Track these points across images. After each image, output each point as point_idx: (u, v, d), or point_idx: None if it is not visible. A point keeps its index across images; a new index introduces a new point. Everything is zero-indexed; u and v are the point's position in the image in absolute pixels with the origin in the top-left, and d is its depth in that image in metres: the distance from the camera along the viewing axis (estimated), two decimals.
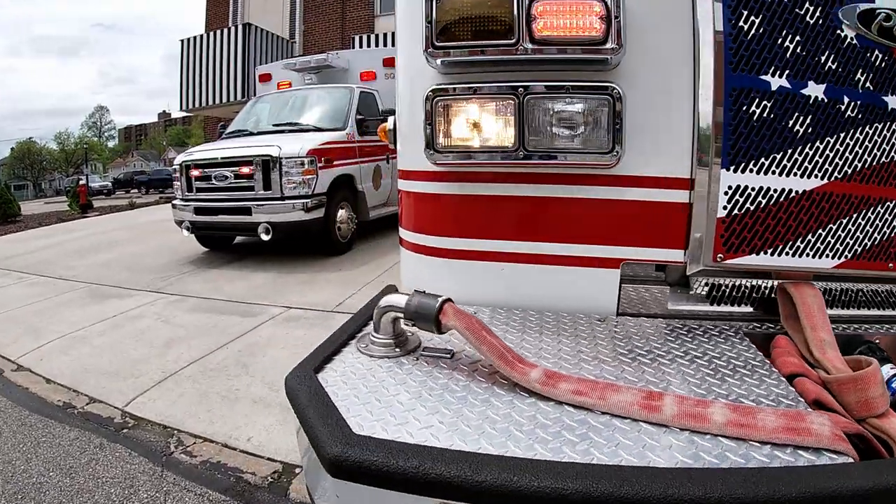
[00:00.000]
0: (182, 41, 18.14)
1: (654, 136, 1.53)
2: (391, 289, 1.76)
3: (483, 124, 1.56)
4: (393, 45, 16.53)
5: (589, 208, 1.60)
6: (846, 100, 1.46)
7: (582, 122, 1.49)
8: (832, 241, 1.53)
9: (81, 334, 4.56)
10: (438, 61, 1.53)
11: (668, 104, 1.51)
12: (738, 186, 1.46)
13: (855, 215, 1.53)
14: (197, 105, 17.91)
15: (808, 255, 1.52)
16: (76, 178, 44.61)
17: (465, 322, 1.25)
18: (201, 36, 17.98)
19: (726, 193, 1.46)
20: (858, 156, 1.49)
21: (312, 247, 7.55)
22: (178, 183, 7.44)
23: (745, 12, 1.42)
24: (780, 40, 1.43)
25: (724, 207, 1.46)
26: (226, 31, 17.31)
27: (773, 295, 1.63)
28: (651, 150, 1.53)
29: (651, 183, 1.56)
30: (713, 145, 1.45)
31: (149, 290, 5.90)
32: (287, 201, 6.74)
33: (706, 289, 1.67)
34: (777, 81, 1.44)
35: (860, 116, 1.47)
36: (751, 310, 1.68)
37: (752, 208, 1.47)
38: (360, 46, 17.64)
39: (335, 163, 7.36)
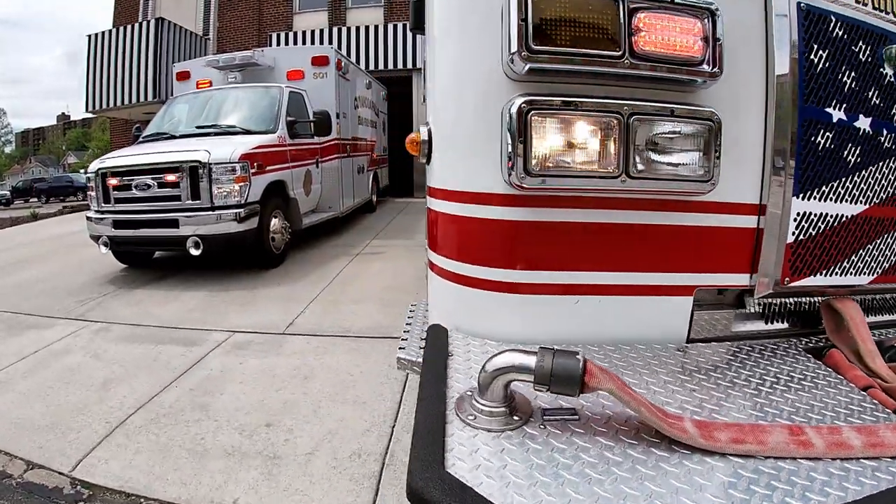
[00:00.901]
0: (89, 37, 16.83)
1: (732, 163, 1.53)
2: (440, 333, 1.66)
3: (584, 144, 1.45)
4: (310, 42, 15.85)
5: (673, 235, 1.60)
6: (885, 132, 1.58)
7: (686, 148, 1.47)
8: (869, 259, 1.67)
9: (2, 377, 3.97)
10: (527, 67, 1.40)
11: (746, 131, 1.54)
12: (805, 213, 1.53)
13: (886, 236, 1.68)
14: (104, 106, 16.70)
15: (851, 273, 1.64)
16: None
17: (615, 382, 1.12)
18: (110, 31, 16.73)
19: (795, 220, 1.53)
20: (892, 182, 1.63)
21: (243, 260, 7.12)
22: (93, 193, 6.80)
23: (816, 46, 1.48)
24: (839, 75, 1.50)
25: (793, 233, 1.53)
26: (136, 26, 16.18)
27: (814, 310, 1.74)
28: (730, 176, 1.53)
29: (729, 209, 1.57)
30: (787, 173, 1.51)
31: (70, 317, 5.31)
32: (218, 211, 6.29)
33: (759, 308, 1.71)
34: (837, 114, 1.50)
35: (894, 147, 1.60)
36: (786, 325, 1.78)
37: (813, 233, 1.55)
38: (279, 44, 17.02)
39: (267, 168, 6.95)
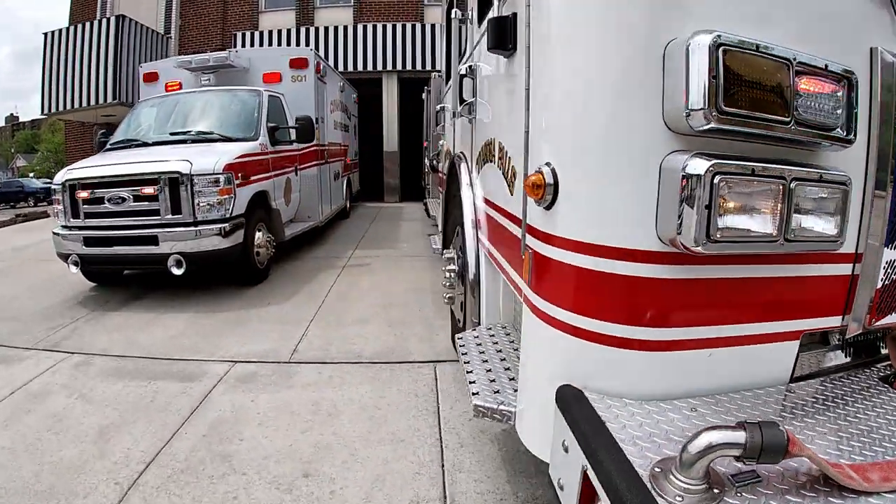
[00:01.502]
0: (45, 35, 15.87)
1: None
2: (578, 397, 1.65)
3: (757, 209, 1.51)
4: (277, 43, 15.32)
5: (797, 284, 1.72)
6: None
7: (827, 210, 1.57)
8: None
9: None
10: (709, 126, 1.43)
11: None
12: (892, 260, 1.73)
13: None
14: (61, 108, 15.77)
15: None
16: None
17: (810, 448, 1.23)
18: (68, 29, 15.81)
19: (884, 267, 1.72)
20: None
21: (225, 276, 6.68)
22: (60, 207, 6.25)
23: None
24: None
25: (881, 279, 1.73)
26: (96, 23, 15.32)
27: (875, 342, 2.05)
28: None
29: (838, 259, 1.73)
30: (882, 226, 1.69)
31: (42, 347, 4.79)
32: (201, 227, 5.85)
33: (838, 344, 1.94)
34: None
35: None
36: (852, 357, 2.00)
37: (894, 278, 1.76)
38: (244, 44, 16.43)
39: (251, 179, 6.54)
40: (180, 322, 5.40)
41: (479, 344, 3.10)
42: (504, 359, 2.92)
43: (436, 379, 4.04)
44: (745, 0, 1.54)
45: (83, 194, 6.03)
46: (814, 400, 1.71)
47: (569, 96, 1.71)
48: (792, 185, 1.48)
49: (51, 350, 4.73)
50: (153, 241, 5.86)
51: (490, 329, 3.33)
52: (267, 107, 7.41)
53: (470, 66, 3.48)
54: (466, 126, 3.85)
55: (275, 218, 7.29)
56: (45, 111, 16.21)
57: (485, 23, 3.15)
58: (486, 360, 2.87)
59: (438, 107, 6.21)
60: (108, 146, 7.29)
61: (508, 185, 2.49)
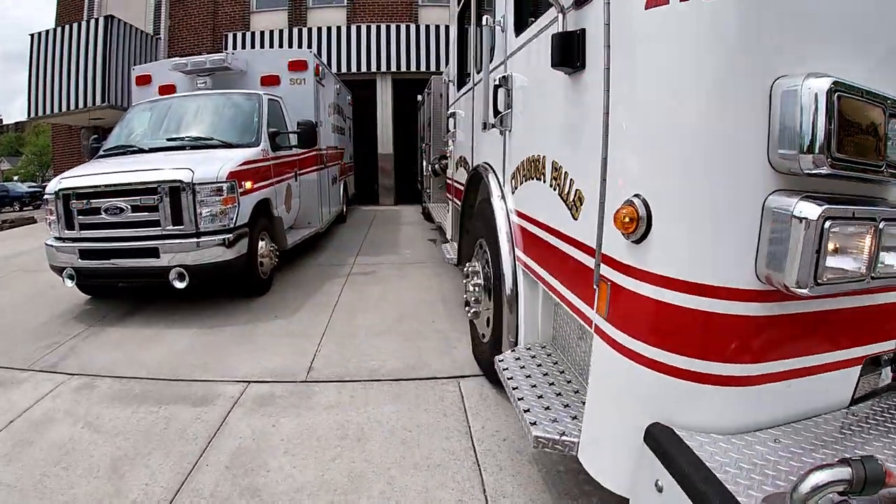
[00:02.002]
0: (32, 36, 15.40)
1: None
2: (668, 435, 1.65)
3: (856, 250, 1.55)
4: (269, 44, 15.04)
5: (870, 313, 1.79)
6: None
7: None
8: None
9: None
10: (821, 170, 1.45)
11: None
12: None
13: None
14: (48, 111, 15.32)
15: None
16: None
17: None
18: (55, 30, 15.37)
19: None
20: None
21: (226, 287, 6.41)
22: (53, 218, 5.96)
23: None
24: None
25: None
26: (84, 24, 14.89)
27: None
28: None
29: None
30: None
31: (40, 368, 4.52)
32: (204, 238, 5.60)
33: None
34: None
35: None
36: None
37: None
38: (235, 45, 16.13)
39: (254, 186, 6.29)
40: (184, 338, 5.16)
41: (524, 367, 2.93)
42: (552, 383, 2.76)
43: (462, 396, 3.85)
44: (837, 40, 1.56)
45: (78, 204, 5.75)
46: (876, 422, 1.80)
47: (667, 128, 1.67)
48: (881, 225, 1.55)
49: (49, 371, 4.46)
50: (153, 253, 5.60)
51: (530, 350, 3.15)
52: (267, 111, 7.17)
53: (504, 76, 3.30)
54: (496, 137, 3.65)
55: (277, 226, 7.05)
56: (32, 114, 15.76)
57: (525, 33, 2.97)
58: (535, 386, 2.71)
59: (449, 112, 6.00)
60: (101, 152, 7.00)
61: (570, 209, 2.32)
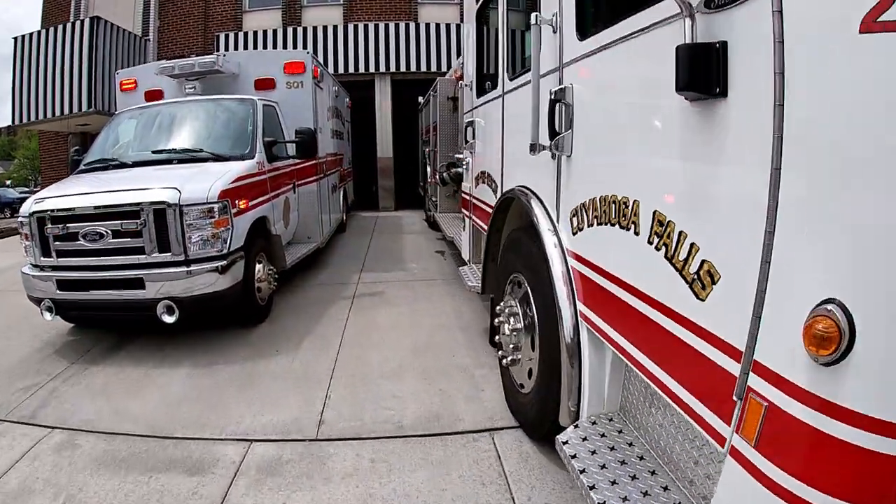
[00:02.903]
0: (15, 39, 14.70)
1: None
2: None
3: None
4: (262, 44, 14.37)
5: None
6: None
7: None
8: None
9: None
10: None
11: None
12: None
13: None
14: (33, 117, 14.62)
15: None
16: None
17: None
18: (39, 32, 14.65)
19: None
20: None
21: (220, 314, 5.72)
22: (29, 243, 5.35)
23: None
24: None
25: None
26: (69, 26, 14.17)
27: None
28: None
29: None
30: None
31: (17, 419, 3.93)
32: (194, 266, 4.99)
33: None
34: None
35: None
36: None
37: None
38: (227, 46, 15.47)
39: (250, 204, 5.67)
40: (176, 381, 4.55)
41: (594, 452, 2.34)
42: (634, 476, 2.18)
43: (499, 457, 3.29)
44: None
45: (54, 229, 5.13)
46: None
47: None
48: None
49: (27, 423, 3.87)
50: (138, 284, 4.98)
51: (596, 425, 2.57)
52: (262, 118, 6.54)
53: (561, 89, 2.69)
54: (545, 161, 3.04)
55: (275, 245, 6.43)
56: (17, 121, 15.04)
57: (599, 37, 2.37)
58: (616, 483, 2.12)
59: (466, 121, 5.40)
60: (81, 167, 6.36)
61: (690, 284, 1.74)
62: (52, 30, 14.43)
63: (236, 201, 5.30)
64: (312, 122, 7.76)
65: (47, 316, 5.28)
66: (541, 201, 3.19)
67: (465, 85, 5.48)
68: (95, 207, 5.04)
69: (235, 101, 6.69)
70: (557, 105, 2.71)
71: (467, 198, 5.72)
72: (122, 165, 6.04)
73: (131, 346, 5.46)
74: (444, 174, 8.52)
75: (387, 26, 15.62)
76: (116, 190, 5.12)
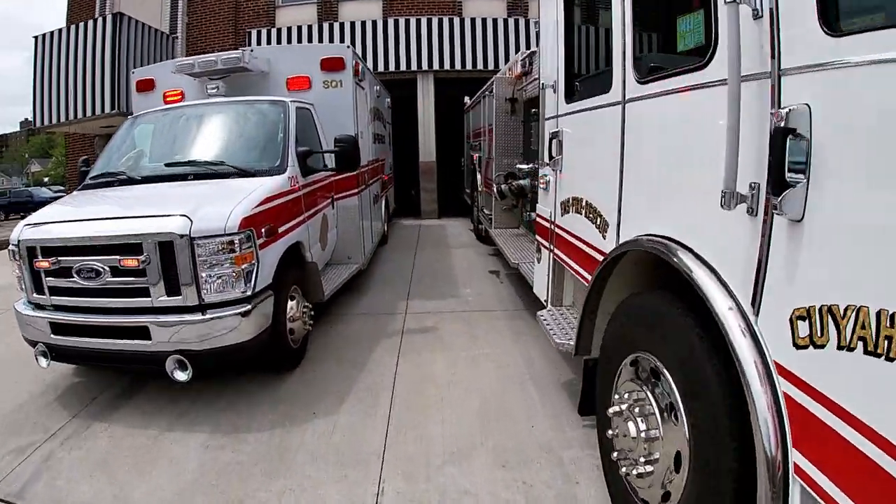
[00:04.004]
0: (36, 38, 14.03)
1: None
2: None
3: None
4: (297, 41, 13.44)
5: None
6: None
7: None
8: None
9: None
10: None
11: None
12: None
13: None
14: (55, 120, 13.94)
15: None
16: None
17: None
18: (60, 31, 13.95)
19: None
20: None
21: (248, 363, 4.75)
22: (19, 275, 4.42)
23: None
24: None
25: None
26: (91, 23, 13.39)
27: None
28: None
29: None
30: None
31: (1, 496, 3.16)
32: (211, 312, 3.97)
33: None
34: None
35: None
36: None
37: None
38: (259, 43, 14.57)
39: (281, 230, 4.64)
40: (191, 453, 3.63)
41: None
42: None
43: None
44: None
45: (45, 262, 4.18)
46: None
47: None
48: None
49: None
50: (143, 333, 4.00)
51: None
52: (296, 124, 5.50)
53: (798, 110, 1.56)
54: (739, 219, 1.92)
55: (311, 274, 5.39)
56: (38, 123, 14.39)
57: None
58: None
59: (550, 132, 4.23)
60: (87, 181, 5.41)
61: None
62: (73, 28, 13.69)
63: (263, 229, 4.27)
64: (353, 127, 6.71)
65: (42, 362, 4.35)
66: (715, 274, 2.06)
67: (547, 85, 4.33)
68: (89, 239, 4.06)
69: (264, 104, 5.66)
70: (785, 136, 1.58)
71: (546, 224, 4.58)
72: (130, 181, 5.05)
73: (142, 395, 4.54)
74: (503, 187, 7.39)
75: (429, 21, 14.51)
76: (114, 217, 4.14)
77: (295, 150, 5.27)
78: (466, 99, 12.62)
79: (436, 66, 14.53)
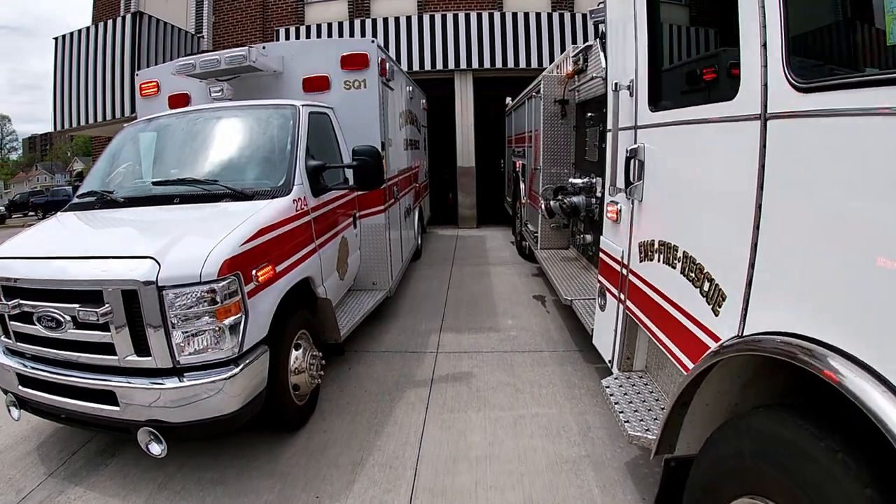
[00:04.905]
0: (56, 39, 13.63)
1: None
2: None
3: None
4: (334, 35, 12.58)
5: None
6: None
7: None
8: None
9: None
10: None
11: None
12: None
13: None
14: (74, 123, 13.51)
15: None
16: None
17: None
18: (79, 31, 13.48)
19: None
20: None
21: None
22: None
23: None
24: None
25: None
26: (110, 23, 12.85)
27: None
28: None
29: None
30: None
31: None
32: (188, 377, 3.14)
33: None
34: None
35: None
36: None
37: None
38: (287, 41, 13.77)
39: (281, 268, 3.77)
40: None
41: None
42: None
43: None
44: None
45: (6, 303, 3.43)
46: None
47: None
48: None
49: None
50: (109, 398, 3.21)
51: None
52: (307, 132, 4.64)
53: None
54: None
55: (324, 312, 4.54)
56: (58, 126, 13.97)
57: None
58: None
59: (629, 147, 3.20)
60: (73, 201, 4.66)
61: None
62: (92, 28, 13.20)
63: (255, 270, 3.40)
64: (379, 134, 5.82)
65: (13, 413, 3.69)
66: None
67: (622, 86, 3.32)
68: (48, 282, 3.28)
69: (268, 109, 4.80)
70: None
71: (614, 266, 3.60)
72: (113, 204, 4.26)
73: (127, 452, 3.87)
74: (553, 203, 6.41)
75: (467, 16, 13.53)
76: (76, 256, 3.33)
77: (305, 164, 4.41)
78: (508, 100, 11.64)
79: (475, 65, 13.53)
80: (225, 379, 3.15)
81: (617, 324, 3.53)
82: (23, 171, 77.77)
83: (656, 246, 2.88)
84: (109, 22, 12.81)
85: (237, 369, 3.21)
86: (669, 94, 2.94)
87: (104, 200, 4.35)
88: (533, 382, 4.74)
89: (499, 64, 13.44)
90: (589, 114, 5.97)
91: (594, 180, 5.78)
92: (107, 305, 3.09)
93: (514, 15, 13.51)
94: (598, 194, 5.65)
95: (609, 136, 3.56)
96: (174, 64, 5.35)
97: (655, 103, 2.98)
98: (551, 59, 12.73)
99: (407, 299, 7.45)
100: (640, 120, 3.13)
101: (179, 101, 5.89)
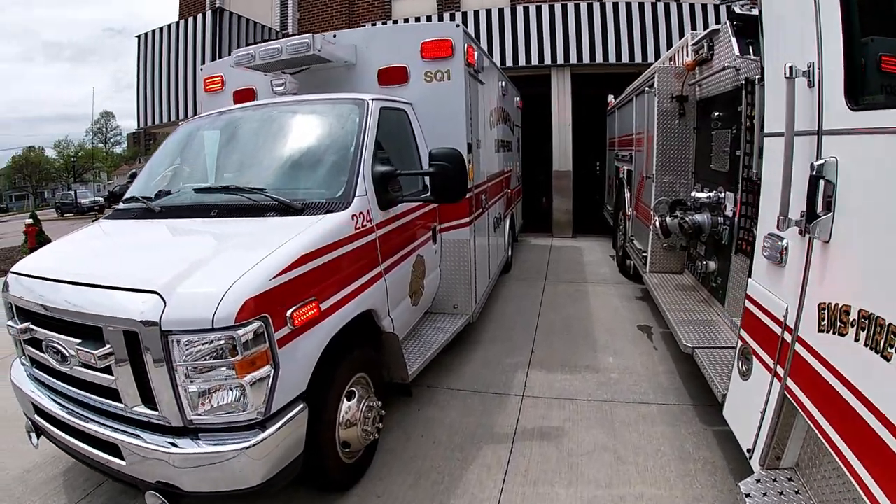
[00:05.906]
0: (138, 37, 13.85)
1: None
2: None
3: None
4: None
5: None
6: None
7: None
8: None
9: None
10: None
11: None
12: None
13: None
14: (157, 120, 13.67)
15: None
16: (64, 192, 41.88)
17: None
18: (160, 29, 13.64)
19: None
20: None
21: None
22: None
23: None
24: None
25: None
26: (191, 21, 12.83)
27: None
28: None
29: None
30: None
31: None
32: (202, 441, 2.47)
33: None
34: None
35: None
36: None
37: None
38: None
39: (329, 304, 3.03)
40: None
41: None
42: None
43: None
44: None
45: (18, 325, 2.96)
46: None
47: None
48: None
49: None
50: (114, 451, 2.61)
51: None
52: (376, 132, 3.89)
53: None
54: None
55: (390, 348, 3.78)
56: (142, 124, 14.21)
57: None
58: None
59: (814, 166, 2.12)
60: (117, 206, 4.15)
61: None
62: (173, 26, 13.21)
63: (292, 310, 2.67)
64: (466, 133, 5.00)
65: (33, 439, 3.22)
66: None
67: (799, 71, 2.27)
68: (45, 309, 2.72)
69: (331, 105, 4.08)
70: None
71: (771, 326, 2.57)
72: (149, 213, 3.68)
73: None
74: (671, 221, 5.36)
75: (564, 7, 12.46)
76: (79, 282, 2.74)
77: (371, 171, 3.66)
78: (610, 98, 10.53)
79: (573, 60, 12.43)
80: (245, 448, 2.44)
81: (767, 405, 2.53)
82: (126, 164, 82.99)
83: (853, 317, 1.88)
84: (190, 19, 12.79)
85: (263, 434, 2.50)
86: (883, 83, 1.96)
87: (139, 210, 3.78)
88: (638, 449, 3.77)
89: (599, 59, 12.28)
90: (716, 113, 4.90)
91: (723, 195, 4.71)
92: (108, 346, 2.47)
93: (616, 5, 12.31)
94: (729, 213, 4.58)
95: (771, 142, 2.56)
96: (233, 56, 4.75)
97: (857, 98, 1.99)
98: (657, 55, 11.49)
99: (493, 322, 6.58)
100: (829, 122, 2.13)
101: (245, 96, 5.34)
